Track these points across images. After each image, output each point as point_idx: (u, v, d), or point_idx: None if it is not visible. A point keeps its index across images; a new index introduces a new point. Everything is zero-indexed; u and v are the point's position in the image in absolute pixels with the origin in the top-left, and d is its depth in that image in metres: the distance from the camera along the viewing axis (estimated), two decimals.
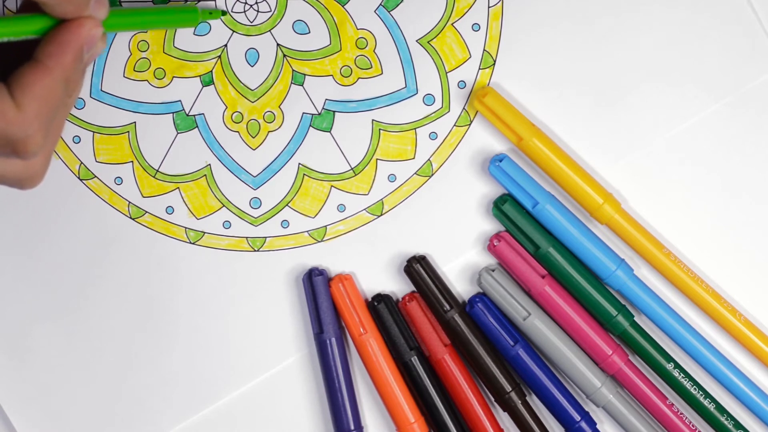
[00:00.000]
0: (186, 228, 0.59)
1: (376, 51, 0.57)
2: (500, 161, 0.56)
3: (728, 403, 0.58)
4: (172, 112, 0.58)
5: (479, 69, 0.57)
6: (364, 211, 0.58)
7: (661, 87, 0.57)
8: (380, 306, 0.57)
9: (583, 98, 0.57)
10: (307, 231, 0.59)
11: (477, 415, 0.57)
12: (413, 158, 0.58)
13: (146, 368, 0.60)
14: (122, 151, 0.59)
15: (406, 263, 0.57)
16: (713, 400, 0.57)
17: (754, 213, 0.58)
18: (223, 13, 0.57)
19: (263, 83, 0.58)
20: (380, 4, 0.57)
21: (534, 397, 0.58)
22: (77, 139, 0.59)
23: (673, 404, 0.57)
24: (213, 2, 0.57)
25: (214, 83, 0.58)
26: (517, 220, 0.56)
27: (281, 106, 0.58)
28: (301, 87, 0.58)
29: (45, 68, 0.45)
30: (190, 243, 0.59)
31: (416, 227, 0.58)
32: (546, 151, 0.55)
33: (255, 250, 0.59)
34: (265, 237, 0.59)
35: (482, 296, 0.57)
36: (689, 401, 0.57)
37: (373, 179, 0.58)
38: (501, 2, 0.56)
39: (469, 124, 0.57)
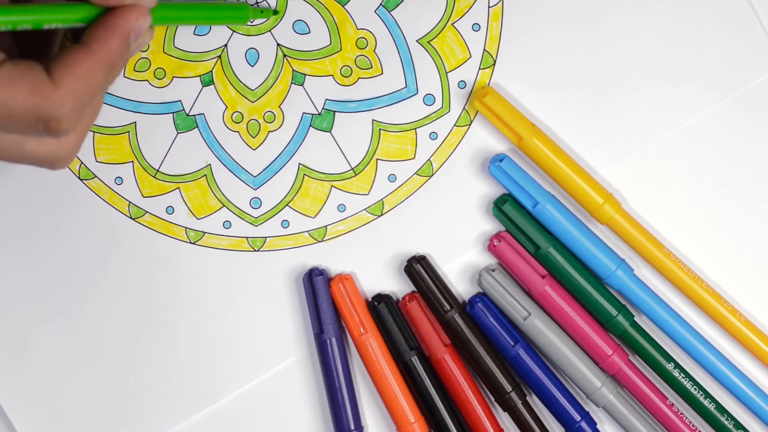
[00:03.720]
0: (186, 228, 0.59)
1: (376, 51, 0.57)
2: (500, 161, 0.56)
3: (728, 403, 0.58)
4: (172, 112, 0.58)
5: (479, 69, 0.57)
6: (364, 211, 0.58)
7: (661, 87, 0.57)
8: (380, 306, 0.57)
9: (583, 98, 0.57)
10: (308, 231, 0.59)
11: (477, 415, 0.57)
12: (413, 158, 0.58)
13: (146, 368, 0.60)
14: (122, 151, 0.59)
15: (406, 263, 0.57)
16: (713, 400, 0.57)
17: (754, 213, 0.58)
18: (275, 12, 0.56)
19: (263, 83, 0.58)
20: (380, 4, 0.57)
21: (534, 397, 0.58)
22: None
23: (673, 404, 0.57)
24: (265, 1, 0.56)
25: (214, 83, 0.58)
26: (517, 220, 0.56)
27: (281, 106, 0.58)
28: (301, 87, 0.58)
29: (89, 50, 0.45)
30: (190, 243, 0.59)
31: (416, 227, 0.58)
32: (546, 151, 0.55)
33: (255, 250, 0.59)
34: (266, 237, 0.59)
35: (482, 296, 0.57)
36: (689, 401, 0.57)
37: (374, 179, 0.58)
38: (501, 2, 0.56)
39: (469, 124, 0.57)
